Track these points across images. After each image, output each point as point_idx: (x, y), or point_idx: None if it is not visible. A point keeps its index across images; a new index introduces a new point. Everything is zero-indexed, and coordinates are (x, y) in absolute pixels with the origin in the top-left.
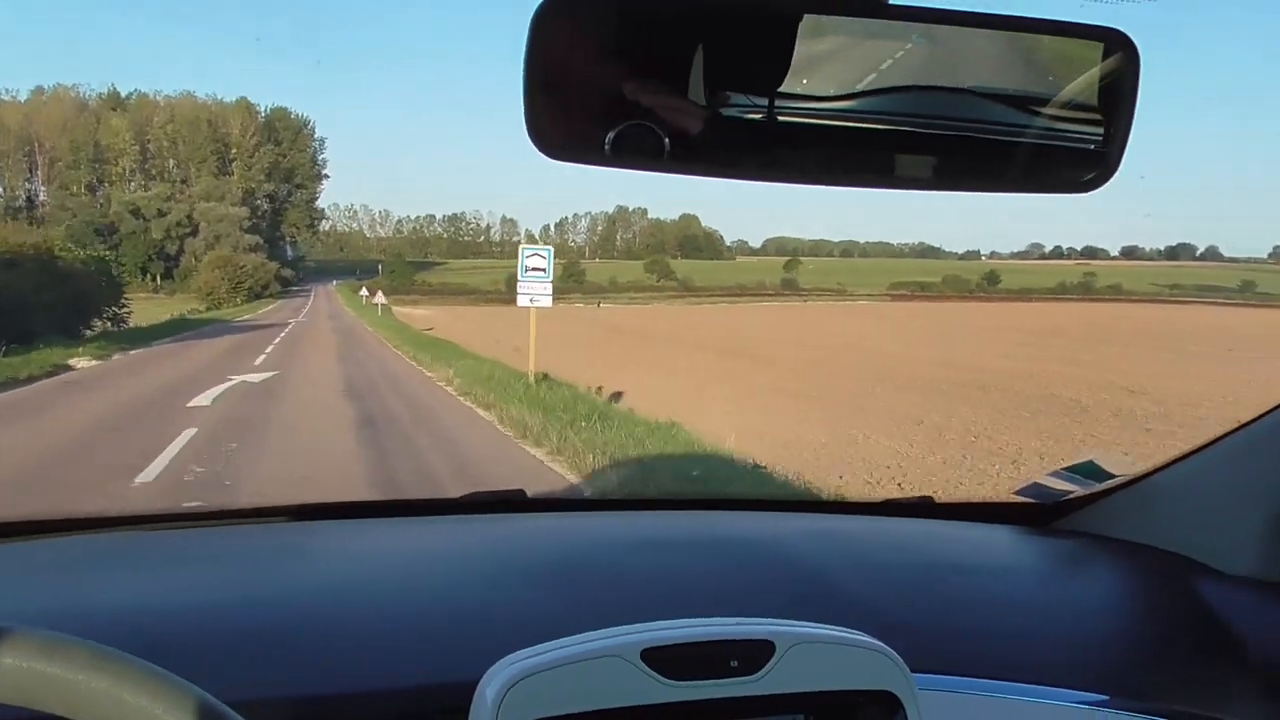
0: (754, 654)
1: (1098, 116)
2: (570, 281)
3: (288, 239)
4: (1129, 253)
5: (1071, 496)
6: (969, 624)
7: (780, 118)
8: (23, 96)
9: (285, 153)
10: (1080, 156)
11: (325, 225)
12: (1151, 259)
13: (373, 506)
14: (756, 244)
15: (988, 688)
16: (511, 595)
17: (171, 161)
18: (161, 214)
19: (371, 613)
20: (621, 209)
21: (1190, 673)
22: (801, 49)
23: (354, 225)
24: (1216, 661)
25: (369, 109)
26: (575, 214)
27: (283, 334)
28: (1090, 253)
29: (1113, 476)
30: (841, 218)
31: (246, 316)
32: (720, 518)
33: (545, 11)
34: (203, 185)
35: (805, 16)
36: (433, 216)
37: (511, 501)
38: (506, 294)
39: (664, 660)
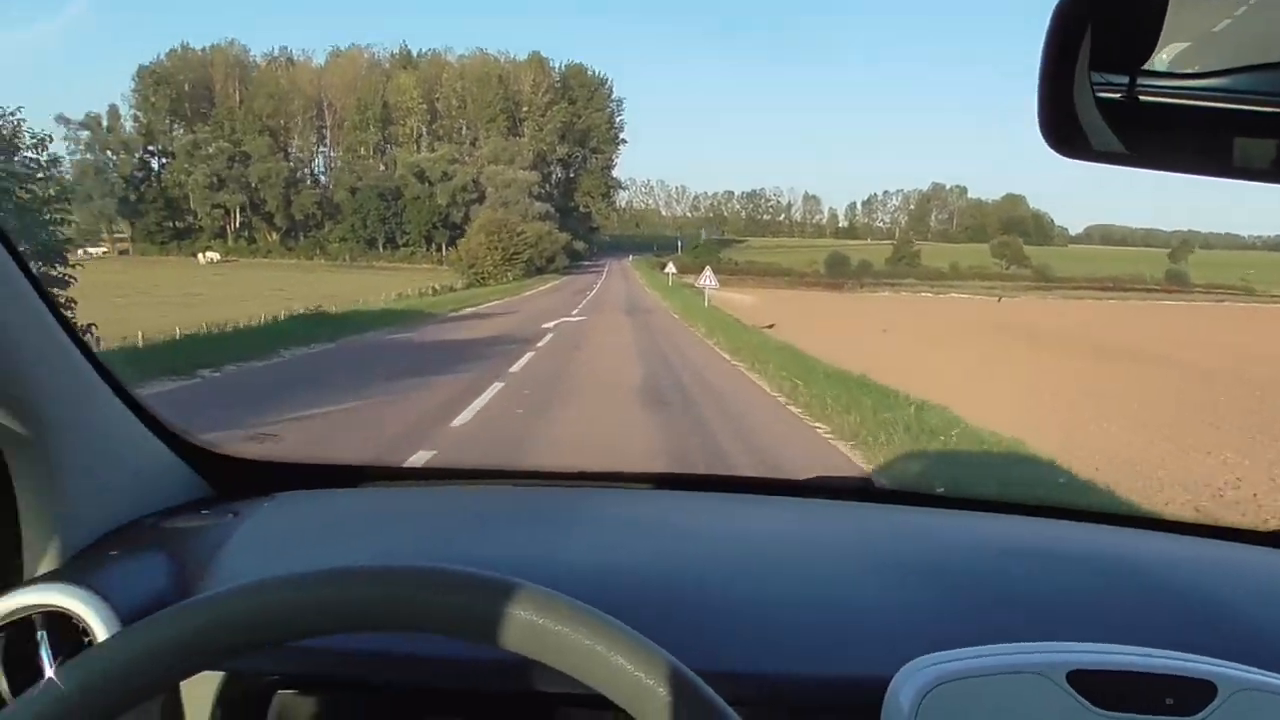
0: (1193, 694)
1: None
2: (902, 265)
3: (582, 208)
4: None
5: None
6: None
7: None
8: (319, 59)
9: (580, 112)
10: None
11: (622, 197)
12: None
13: (721, 481)
14: (1076, 230)
15: None
16: (902, 594)
17: (461, 122)
18: (447, 177)
19: (765, 594)
20: (937, 186)
21: None
22: None
23: (650, 202)
24: None
25: (673, 73)
26: (885, 191)
27: (521, 360)
28: None
29: None
30: (1174, 203)
31: (495, 301)
32: (1101, 532)
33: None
34: (491, 147)
35: None
36: (731, 193)
37: (859, 490)
38: (827, 277)
39: (1092, 686)
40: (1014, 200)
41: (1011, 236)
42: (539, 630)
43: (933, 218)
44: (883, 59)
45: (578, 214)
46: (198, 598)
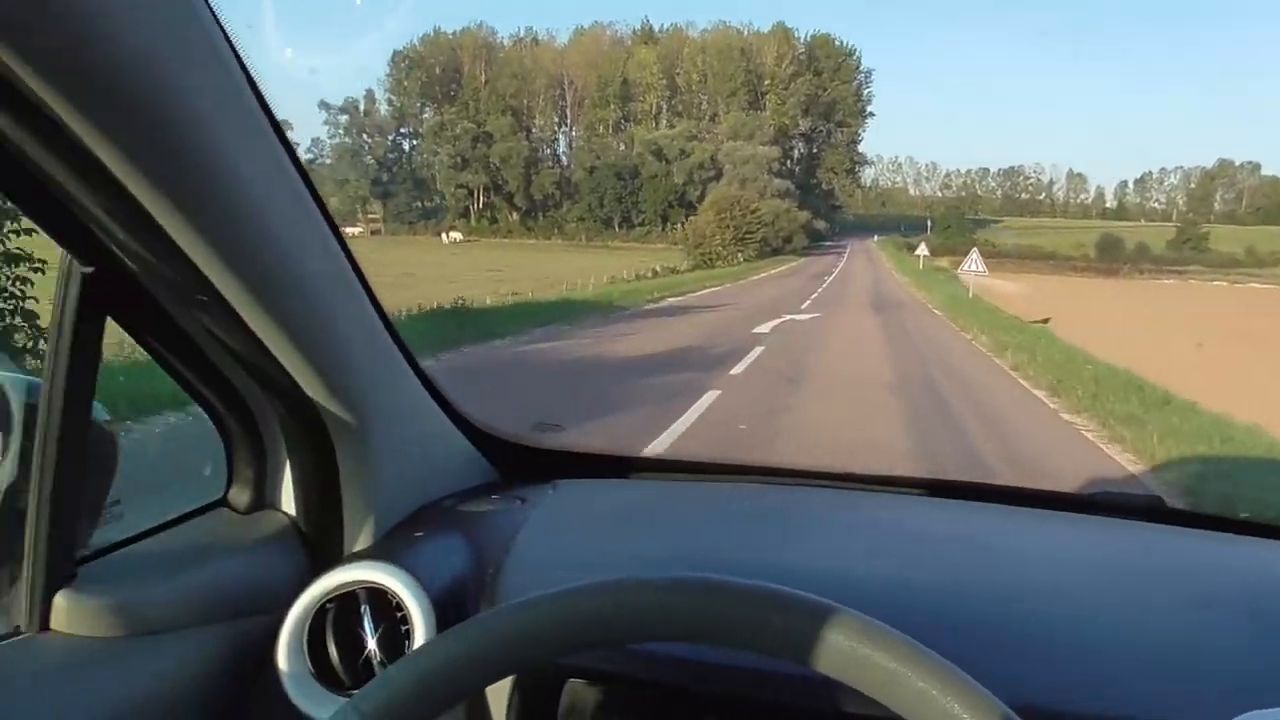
0: None
1: None
2: (1186, 249)
3: (824, 185)
4: None
5: None
6: None
7: None
8: (563, 38)
9: (825, 85)
10: None
11: (868, 174)
12: None
13: (992, 491)
14: None
15: None
16: (1223, 633)
17: (701, 97)
18: (684, 155)
19: (1074, 623)
20: (1225, 163)
21: None
22: None
23: (897, 180)
24: None
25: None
26: (1162, 168)
27: (680, 420)
28: None
29: None
30: None
31: (711, 289)
32: None
33: None
34: (730, 122)
35: None
36: (986, 170)
37: (1148, 509)
38: (1098, 261)
39: None
40: None
41: None
42: (857, 658)
43: (1218, 198)
44: (1162, 17)
45: (819, 191)
46: (531, 598)
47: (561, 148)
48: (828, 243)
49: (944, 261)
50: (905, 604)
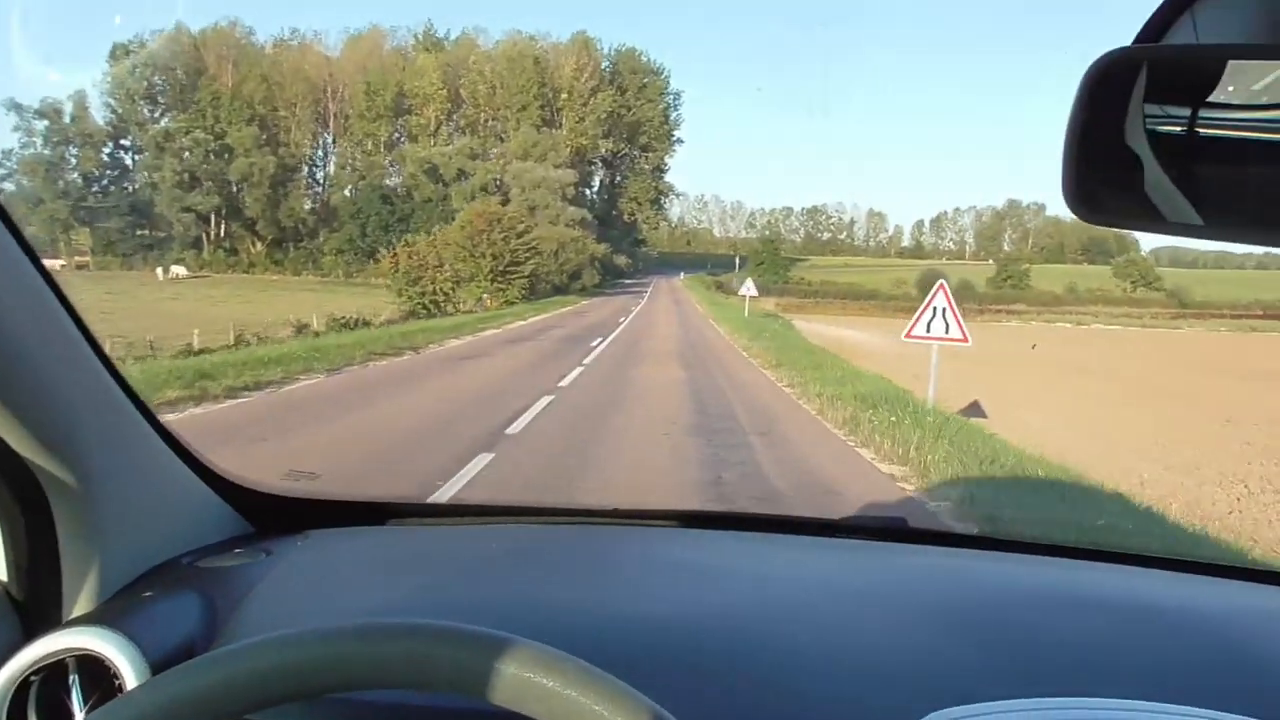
0: None
1: None
2: (1008, 287)
3: (626, 216)
4: None
5: None
6: None
7: None
8: (331, 39)
9: (630, 103)
10: None
11: (674, 210)
12: None
13: (750, 520)
14: (1144, 252)
15: None
16: (930, 641)
17: (488, 112)
18: (464, 175)
19: (784, 641)
20: (1013, 203)
21: None
22: None
23: (702, 219)
24: None
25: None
26: (956, 208)
27: None
28: None
29: None
30: None
31: (386, 361)
32: (1137, 576)
33: (1097, 77)
34: (520, 139)
35: None
36: (790, 209)
37: (893, 529)
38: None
39: None
40: None
41: (1135, 255)
42: (531, 686)
43: (1006, 237)
44: (955, 69)
45: (621, 223)
46: (218, 652)
47: (329, 167)
48: (628, 280)
49: (770, 303)
50: (630, 634)
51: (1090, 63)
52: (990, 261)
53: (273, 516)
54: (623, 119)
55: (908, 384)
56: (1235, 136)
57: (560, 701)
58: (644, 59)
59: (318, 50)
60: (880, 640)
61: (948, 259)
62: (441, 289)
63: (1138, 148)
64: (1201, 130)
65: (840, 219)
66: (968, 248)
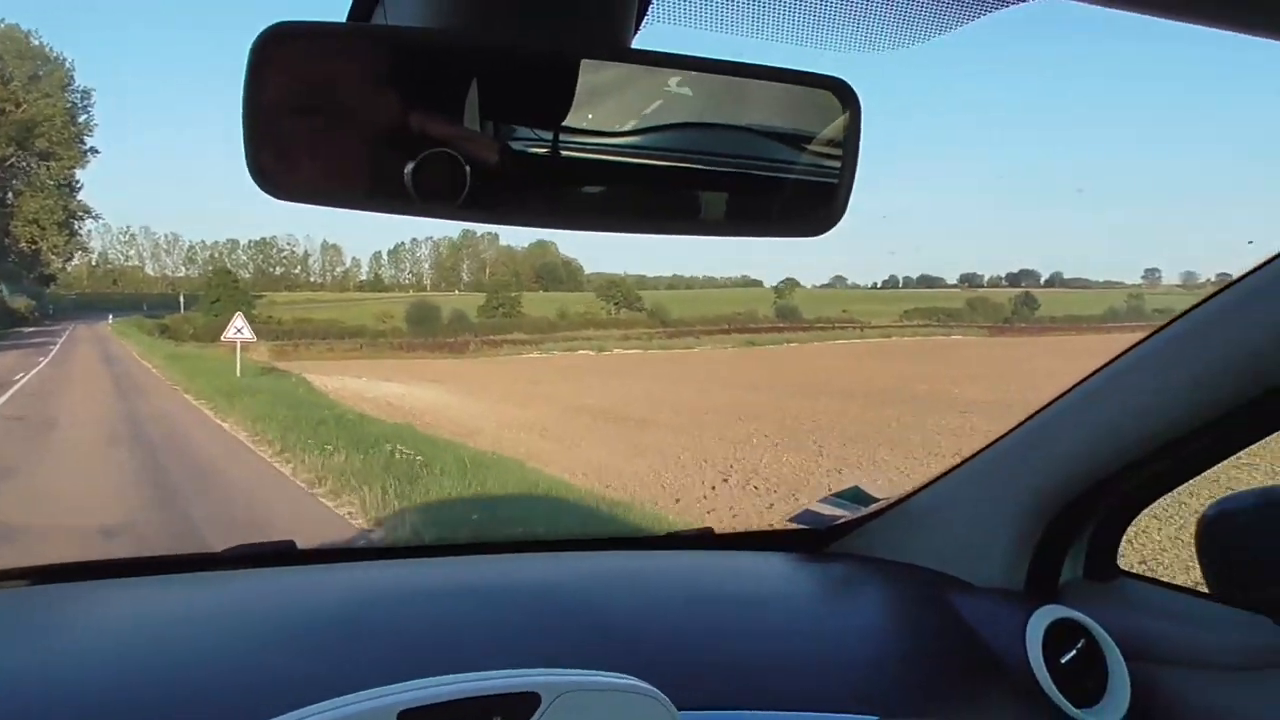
0: (518, 707)
1: (827, 161)
2: (500, 316)
3: (25, 244)
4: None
5: (840, 521)
6: (744, 656)
7: (555, 154)
8: None
9: (19, 97)
10: (812, 200)
11: (96, 244)
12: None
13: (124, 564)
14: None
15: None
16: (276, 657)
17: None
18: None
19: (120, 686)
20: (468, 235)
21: (951, 684)
22: (562, 87)
23: (131, 256)
24: (973, 671)
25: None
26: (413, 239)
27: None
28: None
29: (876, 500)
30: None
31: None
32: (505, 562)
33: (271, 39)
34: None
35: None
36: (236, 242)
37: (282, 554)
38: (415, 335)
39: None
40: (543, 247)
41: (615, 276)
42: None
43: (465, 268)
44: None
45: (18, 253)
46: None
47: None
48: (28, 328)
49: (262, 351)
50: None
51: (258, 34)
52: (455, 291)
53: None
54: (7, 115)
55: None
56: (397, 116)
57: None
58: (36, 41)
59: None
60: (209, 664)
61: (414, 290)
62: None
63: (311, 123)
64: (378, 108)
65: (293, 252)
66: (427, 280)
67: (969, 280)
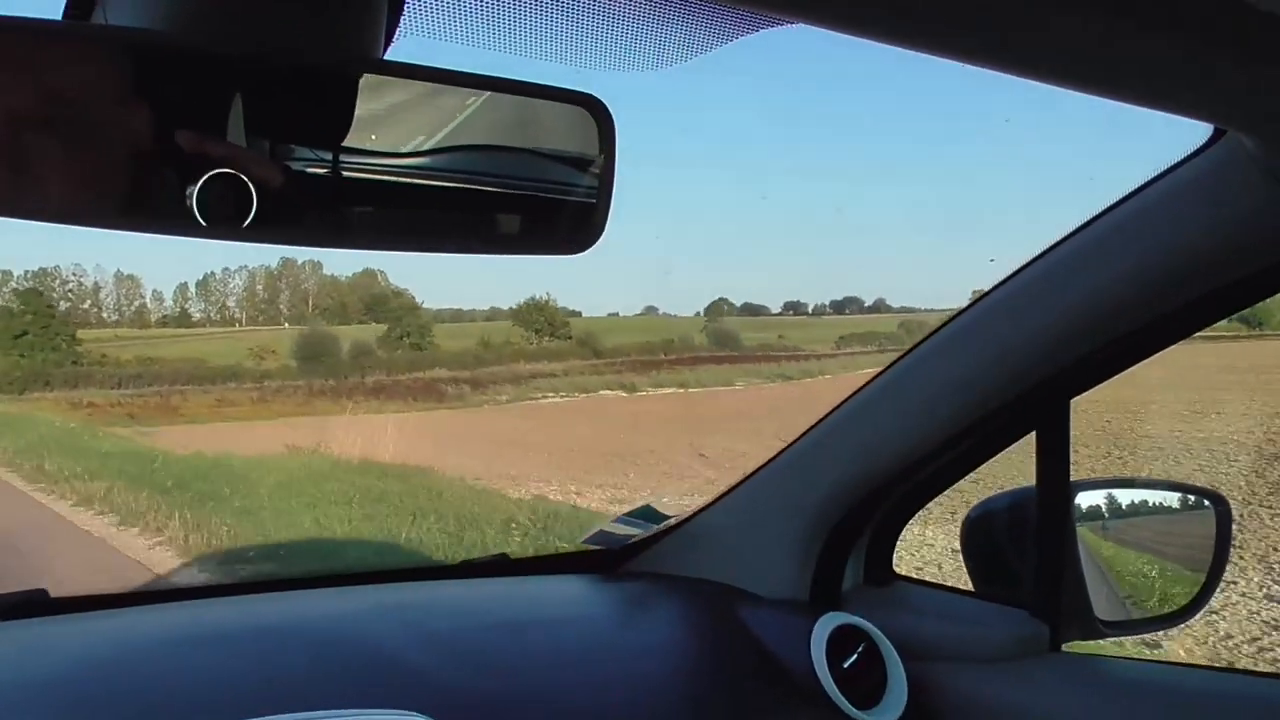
0: None
1: (585, 179)
2: (408, 348)
3: None
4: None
5: (633, 540)
6: (535, 683)
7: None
8: None
9: None
10: (572, 218)
11: None
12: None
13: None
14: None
15: None
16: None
17: None
18: None
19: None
20: (288, 263)
21: (739, 694)
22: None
23: None
24: (761, 680)
25: None
26: (225, 269)
27: None
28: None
29: (668, 518)
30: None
31: None
32: (288, 600)
33: None
34: None
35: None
36: (9, 273)
37: (33, 603)
38: (309, 374)
39: None
40: (371, 276)
41: (538, 301)
42: None
43: (283, 299)
44: None
45: None
46: None
47: None
48: None
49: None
50: None
51: None
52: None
53: None
54: None
55: None
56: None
57: None
58: None
59: None
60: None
61: (226, 327)
62: None
63: (42, 131)
64: (122, 116)
65: (81, 284)
66: (241, 313)
67: (793, 308)
